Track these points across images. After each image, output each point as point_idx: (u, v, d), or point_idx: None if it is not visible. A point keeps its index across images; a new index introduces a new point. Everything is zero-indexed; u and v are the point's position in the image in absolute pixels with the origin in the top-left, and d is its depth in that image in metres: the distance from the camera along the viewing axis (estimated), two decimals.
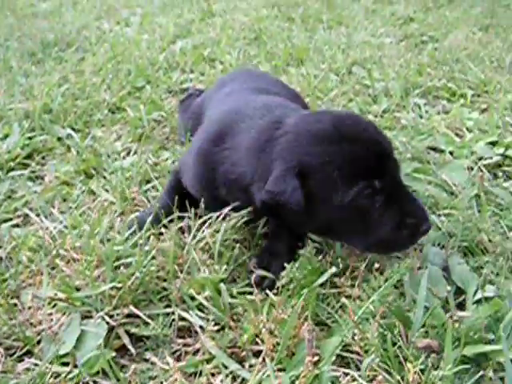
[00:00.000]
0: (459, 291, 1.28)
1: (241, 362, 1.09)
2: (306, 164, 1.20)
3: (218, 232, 1.37)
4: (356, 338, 1.10)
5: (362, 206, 1.20)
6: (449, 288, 1.24)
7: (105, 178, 1.80)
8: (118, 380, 1.04)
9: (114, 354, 1.11)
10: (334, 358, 1.07)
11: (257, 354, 1.10)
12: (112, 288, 1.22)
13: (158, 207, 1.46)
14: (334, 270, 1.21)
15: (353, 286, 1.26)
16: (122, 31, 3.76)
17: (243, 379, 1.05)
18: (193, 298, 1.23)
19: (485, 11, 4.17)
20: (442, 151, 1.98)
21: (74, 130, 2.17)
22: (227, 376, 1.05)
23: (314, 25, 3.84)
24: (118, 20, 4.16)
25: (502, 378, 1.02)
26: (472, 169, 1.80)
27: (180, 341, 1.16)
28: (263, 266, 1.31)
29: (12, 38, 3.65)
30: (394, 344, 1.07)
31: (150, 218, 1.40)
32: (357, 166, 1.18)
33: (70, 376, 1.06)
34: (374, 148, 1.22)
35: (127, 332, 1.18)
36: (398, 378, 1.01)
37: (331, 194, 1.19)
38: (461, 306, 1.24)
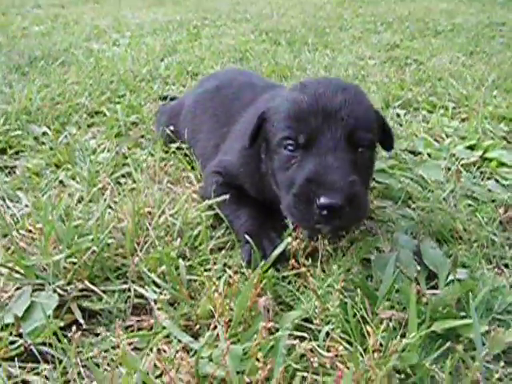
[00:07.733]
0: (431, 276, 1.22)
1: (195, 335, 1.03)
2: (265, 111, 1.33)
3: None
4: (317, 310, 1.04)
5: (283, 157, 1.22)
6: (419, 268, 1.18)
7: (76, 164, 1.77)
8: (64, 351, 0.98)
9: (62, 324, 1.05)
10: (292, 329, 1.01)
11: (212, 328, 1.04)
12: (67, 262, 1.17)
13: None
14: (289, 239, 1.20)
15: (314, 266, 1.20)
16: (109, 48, 3.78)
17: (196, 352, 0.97)
18: (151, 271, 1.18)
19: (469, 41, 4.24)
20: (419, 153, 1.96)
21: (49, 129, 2.13)
22: (178, 351, 0.98)
23: (299, 47, 3.88)
24: (106, 41, 4.19)
25: (472, 358, 0.95)
26: (449, 169, 1.77)
27: (134, 317, 1.10)
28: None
29: (0, 54, 3.65)
30: (356, 315, 1.02)
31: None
32: (289, 118, 1.22)
33: (15, 345, 1.00)
34: (313, 106, 1.20)
35: (79, 306, 1.11)
36: (360, 349, 0.95)
37: (272, 140, 1.27)
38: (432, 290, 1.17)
